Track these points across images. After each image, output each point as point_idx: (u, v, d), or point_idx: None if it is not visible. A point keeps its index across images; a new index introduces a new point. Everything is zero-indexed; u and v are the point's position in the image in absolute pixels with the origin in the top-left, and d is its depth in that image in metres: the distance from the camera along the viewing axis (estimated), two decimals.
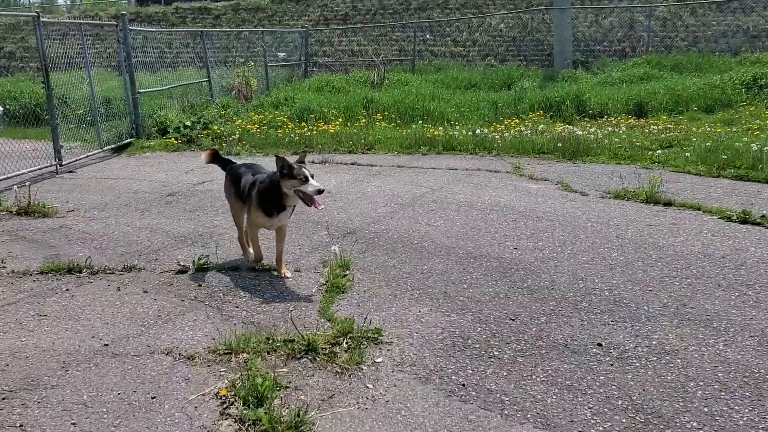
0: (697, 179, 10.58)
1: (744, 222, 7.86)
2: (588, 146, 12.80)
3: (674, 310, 5.31)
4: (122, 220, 8.70)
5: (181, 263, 6.50)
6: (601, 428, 3.73)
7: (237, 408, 3.83)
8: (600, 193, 9.68)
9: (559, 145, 12.94)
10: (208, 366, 4.45)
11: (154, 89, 17.54)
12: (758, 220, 7.80)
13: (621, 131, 14.23)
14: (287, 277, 6.17)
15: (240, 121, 16.65)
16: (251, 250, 6.65)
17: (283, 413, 3.79)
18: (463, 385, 4.21)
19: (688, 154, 11.80)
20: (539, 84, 20.57)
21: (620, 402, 3.98)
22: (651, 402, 3.97)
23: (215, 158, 7.07)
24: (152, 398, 4.06)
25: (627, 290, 5.75)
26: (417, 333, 4.96)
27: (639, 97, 17.26)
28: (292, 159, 5.95)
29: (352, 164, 12.78)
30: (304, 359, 4.51)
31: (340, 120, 16.60)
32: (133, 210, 9.27)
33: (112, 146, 15.08)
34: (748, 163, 10.93)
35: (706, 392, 4.06)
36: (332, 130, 15.34)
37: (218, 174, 11.11)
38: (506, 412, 3.90)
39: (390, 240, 7.35)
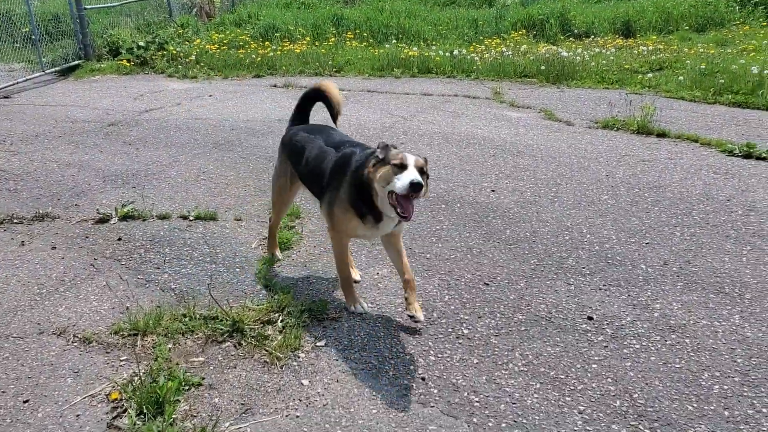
0: (692, 106, 9.66)
1: (748, 156, 7.01)
2: (573, 69, 11.75)
3: (677, 269, 4.47)
4: (50, 155, 7.63)
5: (101, 211, 5.51)
6: None
7: (129, 418, 2.96)
8: (587, 122, 8.74)
9: (543, 68, 11.87)
10: (107, 353, 3.56)
11: (104, 5, 15.98)
12: (764, 155, 6.94)
13: (608, 52, 13.15)
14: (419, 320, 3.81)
15: (199, 41, 15.27)
16: (278, 252, 4.74)
17: (187, 426, 2.93)
18: (423, 379, 3.36)
19: (681, 77, 10.83)
20: (521, 1, 19.21)
21: (618, 402, 3.16)
22: (657, 402, 3.16)
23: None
24: (24, 402, 3.18)
25: (620, 243, 4.90)
26: (372, 303, 4.09)
27: (627, 15, 16.09)
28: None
29: None
30: (227, 343, 3.62)
31: (308, 39, 15.29)
32: (66, 143, 8.19)
33: (58, 69, 13.73)
34: (747, 88, 9.99)
35: (725, 387, 3.26)
36: (298, 50, 14.08)
37: (167, 100, 10.03)
38: (475, 420, 3.06)
39: None
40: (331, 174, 3.83)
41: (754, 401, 3.15)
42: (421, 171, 3.41)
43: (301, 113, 4.56)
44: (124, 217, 5.45)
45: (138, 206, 5.62)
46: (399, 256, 3.93)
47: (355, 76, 12.76)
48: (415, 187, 3.25)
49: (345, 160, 3.78)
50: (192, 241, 5.01)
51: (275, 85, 11.94)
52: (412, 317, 3.75)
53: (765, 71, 9.99)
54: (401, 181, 3.29)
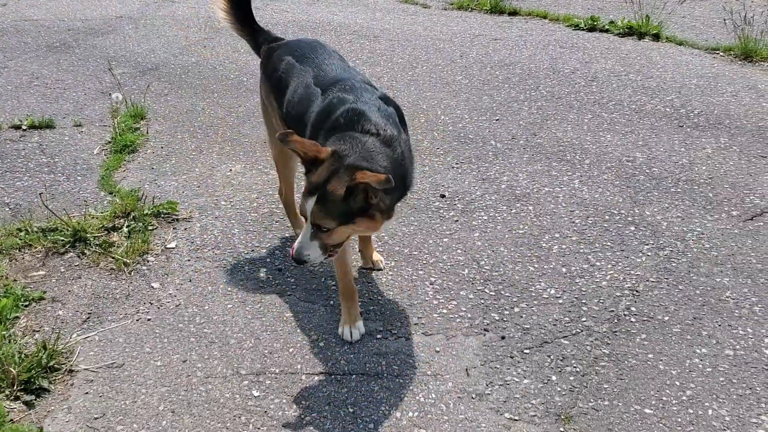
0: None
1: (592, 29, 7.24)
2: None
3: (524, 142, 4.64)
4: None
5: None
6: (444, 310, 3.05)
7: None
8: (443, 3, 8.67)
9: None
10: None
11: None
12: (606, 27, 7.20)
13: None
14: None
15: None
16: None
17: (28, 342, 2.79)
18: (280, 270, 3.35)
19: None
20: None
21: (467, 271, 3.31)
22: (502, 267, 3.33)
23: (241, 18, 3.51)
24: None
25: (473, 122, 4.99)
26: (226, 201, 3.98)
27: None
28: None
29: None
30: (70, 254, 3.43)
31: None
32: None
33: None
34: None
35: (564, 246, 3.47)
36: None
37: None
38: (332, 303, 3.11)
39: (201, 75, 6.07)
40: (310, 130, 2.83)
41: (589, 257, 3.39)
42: (320, 228, 2.46)
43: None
44: None
45: None
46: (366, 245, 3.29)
47: None
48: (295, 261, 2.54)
49: (327, 113, 2.75)
50: (27, 152, 4.63)
51: None
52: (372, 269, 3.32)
53: None
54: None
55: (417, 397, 2.59)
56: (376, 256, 3.33)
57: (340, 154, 2.45)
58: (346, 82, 2.87)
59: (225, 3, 3.40)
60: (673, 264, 3.33)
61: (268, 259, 3.43)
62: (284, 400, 2.57)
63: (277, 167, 3.49)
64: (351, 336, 2.88)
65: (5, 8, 9.01)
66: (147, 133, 4.86)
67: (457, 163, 4.38)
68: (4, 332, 2.75)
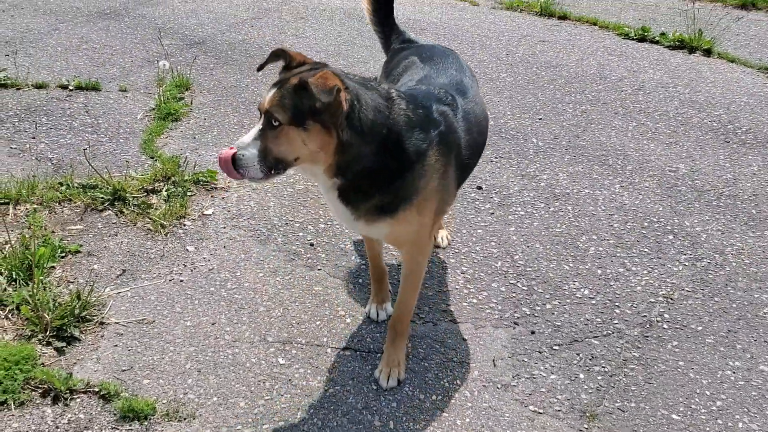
0: None
1: (642, 40, 7.14)
2: None
3: (566, 143, 4.59)
4: None
5: None
6: (474, 300, 3.03)
7: None
8: (492, 2, 8.62)
9: None
10: None
11: None
12: (657, 38, 7.09)
13: None
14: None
15: None
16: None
17: (63, 292, 2.83)
18: (312, 245, 3.36)
19: None
20: None
21: (500, 264, 3.28)
22: (536, 263, 3.29)
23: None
24: None
25: (515, 118, 4.95)
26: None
27: None
28: None
29: None
30: (108, 212, 3.48)
31: None
32: None
33: None
34: None
35: (600, 249, 3.42)
36: None
37: None
38: (360, 281, 3.11)
39: (247, 53, 6.11)
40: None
41: (626, 261, 3.34)
42: (269, 121, 2.11)
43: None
44: None
45: (11, 74, 5.17)
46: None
47: None
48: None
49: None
50: (72, 111, 4.69)
51: None
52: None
53: None
54: None
55: (441, 382, 2.58)
56: (441, 232, 3.32)
57: (332, 68, 2.18)
58: (444, 87, 2.62)
59: (369, 3, 3.31)
60: (710, 276, 3.27)
61: (301, 233, 3.44)
62: (309, 371, 2.57)
63: None
64: (377, 316, 2.87)
65: None
66: (191, 103, 4.90)
67: (496, 158, 4.35)
68: (41, 279, 2.78)
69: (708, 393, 2.57)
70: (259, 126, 2.14)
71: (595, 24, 7.71)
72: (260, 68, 2.41)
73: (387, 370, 2.56)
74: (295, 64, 2.27)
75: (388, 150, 2.24)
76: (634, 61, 6.34)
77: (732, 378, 2.65)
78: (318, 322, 2.83)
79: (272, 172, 2.17)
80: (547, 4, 8.14)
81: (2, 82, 5.01)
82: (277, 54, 2.31)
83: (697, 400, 2.54)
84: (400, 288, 2.59)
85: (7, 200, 3.46)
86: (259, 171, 2.13)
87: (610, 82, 5.76)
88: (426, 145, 2.31)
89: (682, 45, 6.78)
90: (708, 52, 6.60)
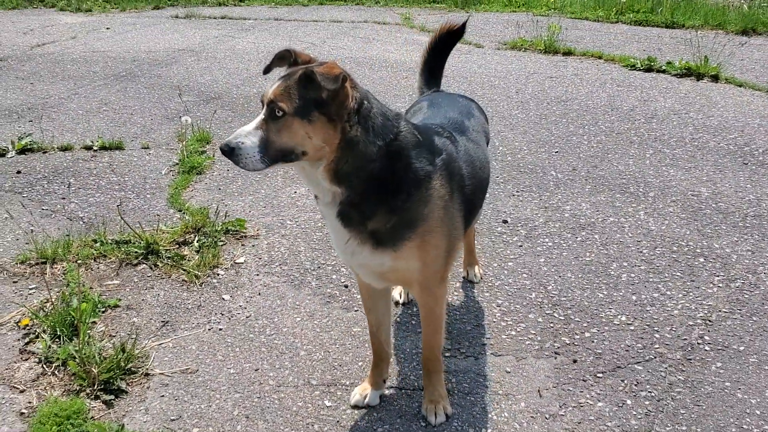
0: (595, 25, 9.91)
1: (649, 70, 7.27)
2: None
3: (585, 174, 4.63)
4: None
5: None
6: (512, 332, 3.03)
7: (42, 342, 2.85)
8: (496, 44, 8.82)
9: None
10: (14, 283, 3.39)
11: None
12: (664, 68, 7.21)
13: None
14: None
15: None
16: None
17: (106, 345, 2.85)
18: (346, 286, 3.38)
19: None
20: None
21: (534, 295, 3.29)
22: (569, 292, 3.30)
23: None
24: None
25: (532, 153, 5.02)
26: (291, 221, 4.05)
27: None
28: None
29: (222, 18, 11.22)
30: (142, 266, 3.52)
31: None
32: None
33: None
34: (646, 6, 10.32)
35: (632, 275, 3.43)
36: None
37: (61, 34, 9.42)
38: (397, 320, 3.12)
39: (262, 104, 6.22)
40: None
41: (659, 286, 3.34)
42: (273, 111, 2.06)
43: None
44: (23, 150, 5.13)
45: (37, 138, 5.29)
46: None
47: (261, 5, 12.36)
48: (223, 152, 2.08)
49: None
50: (98, 171, 4.79)
51: (177, 16, 11.41)
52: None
53: None
54: None
55: (489, 415, 2.57)
56: (474, 269, 3.40)
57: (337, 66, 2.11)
58: (441, 125, 2.59)
59: (422, 73, 3.34)
60: (746, 296, 3.26)
61: (334, 276, 3.47)
62: (356, 412, 2.56)
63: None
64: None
65: (75, 41, 9.44)
66: (213, 156, 4.99)
67: (517, 191, 4.39)
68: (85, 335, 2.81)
69: (758, 412, 2.55)
70: (261, 116, 2.08)
71: (600, 57, 7.86)
72: (266, 70, 2.35)
73: (432, 406, 2.54)
74: (301, 62, 2.22)
75: (395, 159, 2.17)
76: (644, 91, 6.43)
77: None
78: (360, 363, 2.84)
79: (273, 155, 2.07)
80: (550, 42, 8.32)
81: (29, 146, 5.13)
82: (283, 55, 2.28)
83: (748, 420, 2.52)
84: (422, 329, 2.57)
85: (44, 259, 3.51)
86: (260, 162, 2.05)
87: (622, 113, 5.83)
88: (431, 168, 2.24)
89: (689, 72, 6.89)
90: (716, 78, 6.70)
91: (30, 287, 3.35)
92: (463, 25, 3.20)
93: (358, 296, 3.28)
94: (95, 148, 5.18)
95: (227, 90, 6.77)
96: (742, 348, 2.90)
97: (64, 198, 4.36)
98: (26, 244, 3.74)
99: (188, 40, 9.29)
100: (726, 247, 3.67)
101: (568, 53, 8.16)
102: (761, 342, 2.93)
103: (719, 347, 2.91)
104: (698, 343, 2.93)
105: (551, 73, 7.23)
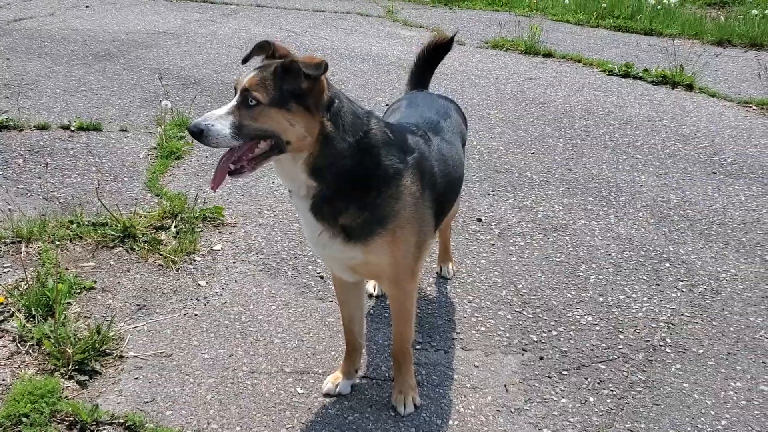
0: (576, 29, 10.00)
1: (626, 76, 7.38)
2: None
3: (560, 176, 4.73)
4: None
5: None
6: (482, 328, 3.11)
7: (17, 321, 2.86)
8: (477, 42, 8.87)
9: None
10: None
11: None
12: (640, 74, 7.34)
13: None
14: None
15: None
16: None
17: (81, 327, 2.87)
18: (322, 277, 3.44)
19: (567, 1, 11.14)
20: None
21: (504, 292, 3.38)
22: (539, 291, 3.39)
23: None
24: None
25: (508, 153, 5.10)
26: (269, 210, 4.09)
27: None
28: None
29: (204, 1, 11.12)
30: (119, 249, 3.54)
31: None
32: None
33: None
34: (626, 13, 10.44)
35: (600, 277, 3.54)
36: None
37: (38, 10, 9.26)
38: (371, 312, 3.19)
39: None
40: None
41: (626, 288, 3.45)
42: (246, 99, 2.10)
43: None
44: None
45: (13, 116, 5.24)
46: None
47: None
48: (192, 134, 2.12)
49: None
50: (75, 152, 4.77)
51: None
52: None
53: None
54: None
55: (457, 407, 2.65)
56: (448, 266, 3.47)
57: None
58: (417, 124, 2.65)
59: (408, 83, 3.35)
60: (708, 301, 3.38)
61: (310, 266, 3.52)
62: (327, 400, 2.63)
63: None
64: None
65: (53, 17, 9.30)
66: (192, 142, 4.99)
67: (492, 191, 4.47)
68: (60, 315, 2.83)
69: (713, 413, 2.66)
70: (233, 102, 2.10)
71: (579, 61, 7.96)
72: (245, 60, 2.36)
73: (401, 396, 2.61)
74: (278, 56, 2.26)
75: (365, 156, 2.24)
76: (620, 97, 6.55)
77: (734, 398, 2.75)
78: (333, 353, 2.90)
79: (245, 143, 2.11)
80: (531, 43, 8.40)
81: (5, 124, 5.08)
82: (262, 46, 2.31)
83: (702, 419, 2.63)
84: (393, 323, 2.63)
85: (19, 238, 3.51)
86: (231, 139, 2.07)
87: (598, 117, 5.95)
88: (402, 165, 2.32)
89: (664, 80, 7.03)
90: (690, 87, 6.85)
91: (5, 265, 3.35)
92: (451, 39, 3.24)
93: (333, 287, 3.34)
94: (73, 128, 5.15)
95: (207, 75, 6.75)
96: (701, 351, 3.02)
97: (40, 177, 4.34)
98: (1, 222, 3.73)
99: (169, 22, 9.21)
100: (691, 254, 3.80)
101: (548, 55, 8.25)
102: (719, 346, 3.05)
103: (680, 350, 3.02)
104: (660, 345, 3.04)
105: (531, 74, 7.32)
